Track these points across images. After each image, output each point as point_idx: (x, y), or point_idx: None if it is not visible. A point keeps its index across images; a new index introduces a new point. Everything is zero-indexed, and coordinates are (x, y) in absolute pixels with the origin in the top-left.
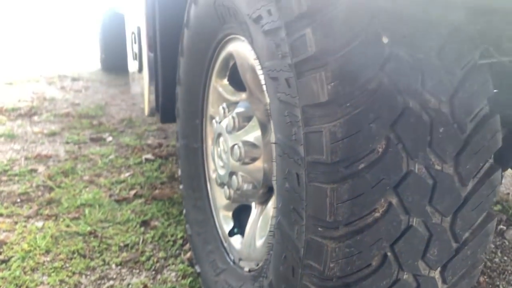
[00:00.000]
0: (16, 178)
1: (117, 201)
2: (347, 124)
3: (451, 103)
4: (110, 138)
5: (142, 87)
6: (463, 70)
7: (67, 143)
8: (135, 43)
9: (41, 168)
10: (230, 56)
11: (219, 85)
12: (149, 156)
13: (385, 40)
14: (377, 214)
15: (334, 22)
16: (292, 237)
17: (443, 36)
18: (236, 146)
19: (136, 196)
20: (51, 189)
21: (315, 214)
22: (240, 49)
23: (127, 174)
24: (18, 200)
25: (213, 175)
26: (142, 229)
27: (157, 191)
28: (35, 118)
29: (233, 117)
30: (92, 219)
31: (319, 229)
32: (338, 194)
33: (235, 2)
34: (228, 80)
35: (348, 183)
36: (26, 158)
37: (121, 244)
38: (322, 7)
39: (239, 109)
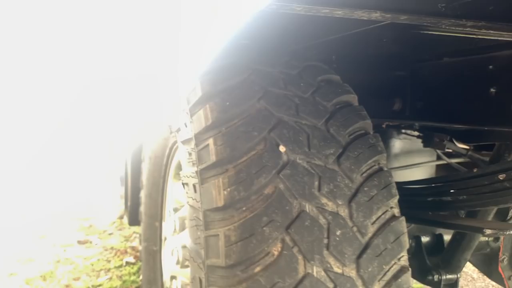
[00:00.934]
0: None
1: None
2: (241, 227)
3: (349, 206)
4: (97, 241)
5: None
6: (363, 176)
7: (54, 245)
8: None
9: (22, 272)
10: (179, 163)
11: (174, 188)
12: (131, 259)
13: (282, 149)
14: None
15: (234, 133)
16: None
17: (342, 144)
18: (174, 250)
19: None
20: None
21: None
22: None
23: (104, 278)
24: None
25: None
26: None
27: None
28: (28, 219)
29: (174, 221)
30: None
31: None
32: None
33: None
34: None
35: (243, 287)
36: (8, 261)
37: None
38: (225, 120)
39: (182, 212)
